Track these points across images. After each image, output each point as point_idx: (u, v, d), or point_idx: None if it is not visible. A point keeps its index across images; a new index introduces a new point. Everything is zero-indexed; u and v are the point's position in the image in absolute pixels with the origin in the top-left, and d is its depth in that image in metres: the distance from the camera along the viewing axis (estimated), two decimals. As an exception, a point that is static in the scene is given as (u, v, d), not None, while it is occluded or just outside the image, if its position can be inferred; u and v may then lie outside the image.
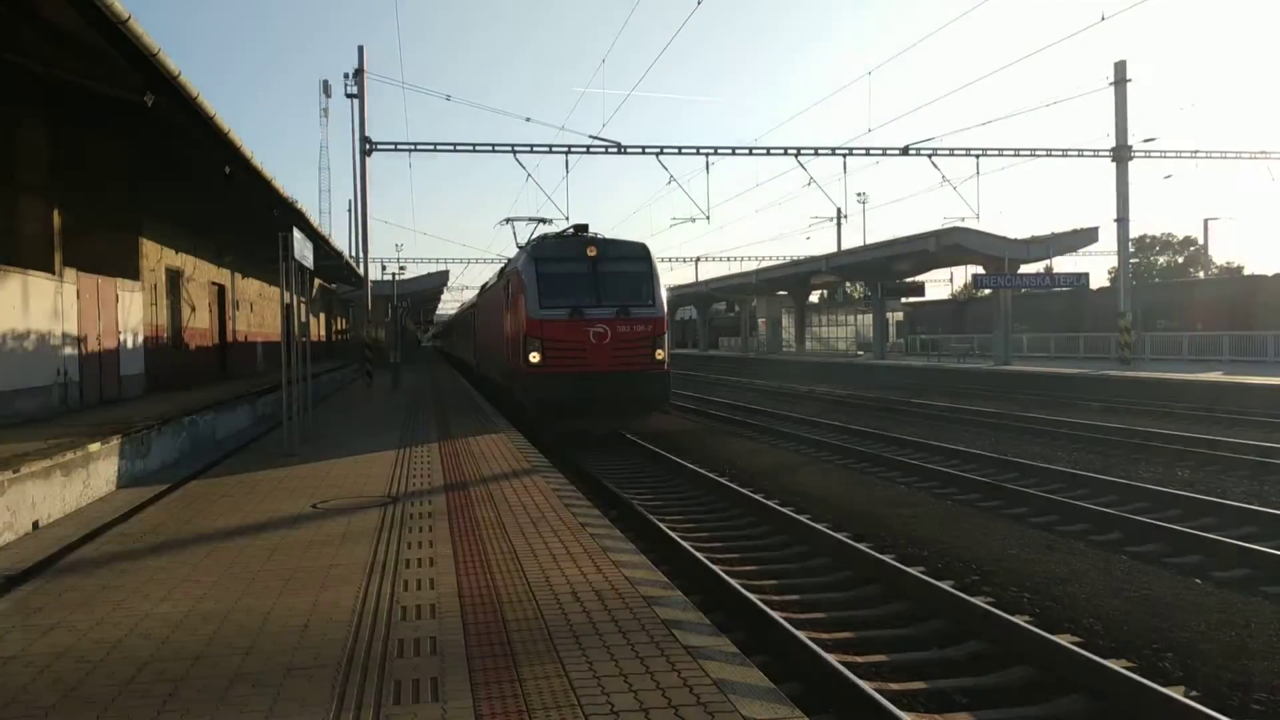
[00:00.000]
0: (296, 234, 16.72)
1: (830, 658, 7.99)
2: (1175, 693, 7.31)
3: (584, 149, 38.13)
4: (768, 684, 5.66)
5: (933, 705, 7.63)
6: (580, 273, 22.08)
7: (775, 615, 9.10)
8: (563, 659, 6.00)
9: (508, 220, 37.54)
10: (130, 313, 23.84)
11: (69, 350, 19.78)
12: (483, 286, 38.46)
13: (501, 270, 29.60)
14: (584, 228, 24.00)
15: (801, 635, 8.50)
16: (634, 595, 7.41)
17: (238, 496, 12.52)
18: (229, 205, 26.47)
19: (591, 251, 22.36)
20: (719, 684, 5.54)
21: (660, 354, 21.92)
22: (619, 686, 5.52)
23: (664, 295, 22.65)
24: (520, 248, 26.60)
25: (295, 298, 17.46)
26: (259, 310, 42.22)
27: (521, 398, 22.49)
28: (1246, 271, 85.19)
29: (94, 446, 13.36)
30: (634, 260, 22.80)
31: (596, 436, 23.01)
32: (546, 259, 22.62)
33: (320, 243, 32.97)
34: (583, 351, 21.42)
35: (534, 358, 21.54)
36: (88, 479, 13.14)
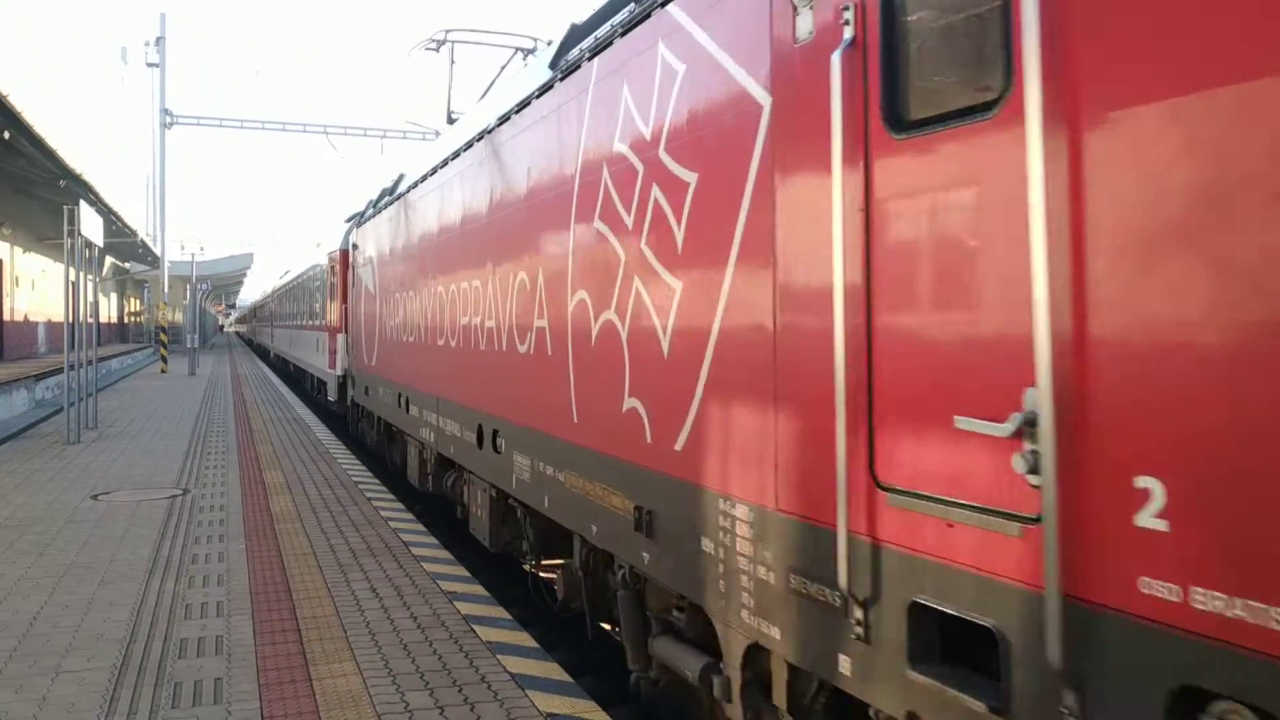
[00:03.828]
0: (85, 208, 15.67)
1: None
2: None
3: (400, 134, 37.30)
4: (566, 678, 5.68)
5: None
6: None
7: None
8: (358, 657, 5.85)
9: (438, 43, 11.78)
10: (-110, 285, 21.85)
11: None
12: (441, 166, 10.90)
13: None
14: None
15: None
16: (435, 591, 7.30)
17: (8, 487, 11.63)
18: (9, 174, 24.63)
19: None
20: (517, 679, 5.52)
21: None
22: (416, 685, 5.43)
23: None
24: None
25: (82, 276, 16.37)
26: (41, 288, 39.47)
27: None
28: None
29: None
30: None
31: None
32: None
33: (113, 219, 31.08)
34: None
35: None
36: None
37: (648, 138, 5.17)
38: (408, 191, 12.05)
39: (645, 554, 5.12)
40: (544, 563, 7.80)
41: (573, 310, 6.16)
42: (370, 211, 15.43)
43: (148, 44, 40.98)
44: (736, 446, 4.26)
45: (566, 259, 6.30)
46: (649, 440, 5.06)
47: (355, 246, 16.79)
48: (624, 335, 5.36)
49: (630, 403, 5.29)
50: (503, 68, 11.01)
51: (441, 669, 5.68)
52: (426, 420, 10.57)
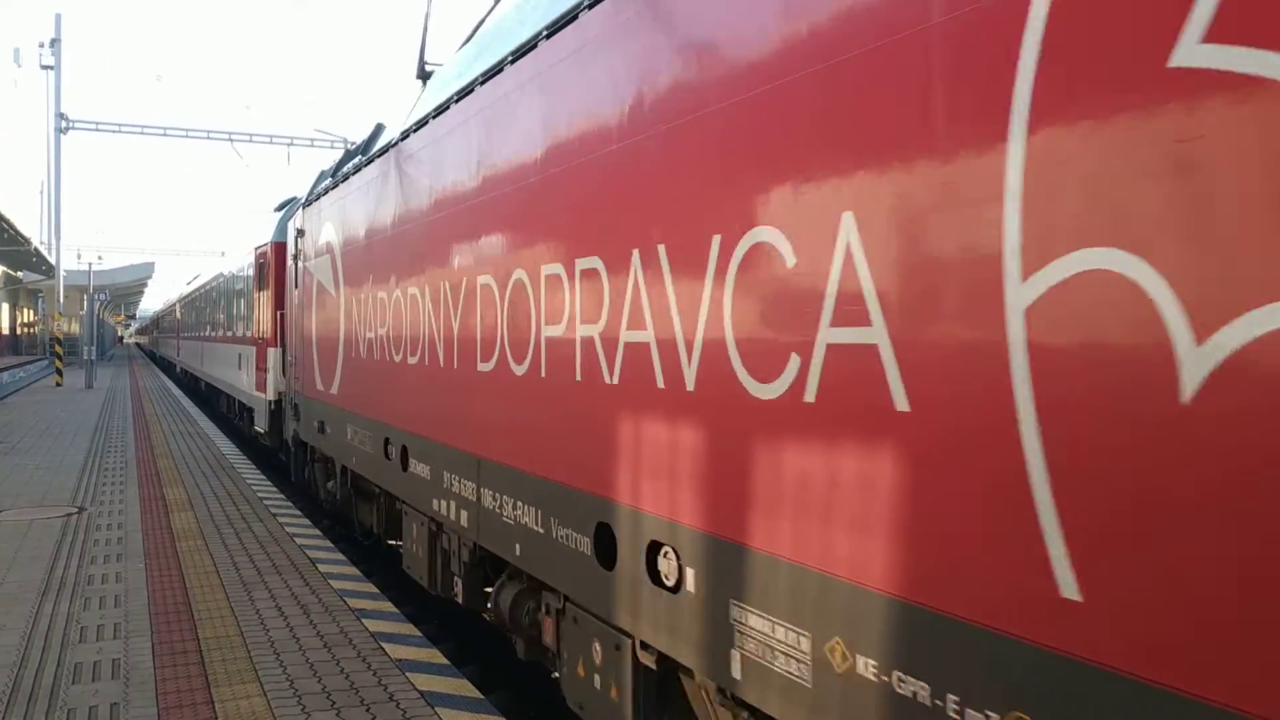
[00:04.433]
0: (-27, 215, 15.08)
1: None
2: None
3: (308, 141, 36.71)
4: (476, 694, 5.63)
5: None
6: None
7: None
8: (262, 678, 5.72)
9: None
10: None
11: None
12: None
13: None
14: None
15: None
16: (343, 609, 7.18)
17: (-110, 507, 11.12)
18: (-109, 179, 23.56)
19: None
20: (426, 696, 5.45)
21: None
22: (322, 705, 5.32)
23: None
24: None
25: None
26: (-74, 297, 37.88)
27: None
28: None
29: None
30: None
31: None
32: None
33: (4, 226, 30.00)
34: None
35: None
36: None
37: None
38: (403, 139, 8.07)
39: None
40: None
41: (1037, 305, 2.43)
42: (326, 185, 11.30)
43: (42, 45, 39.64)
44: None
45: (996, 169, 2.56)
46: None
47: (301, 234, 12.57)
48: None
49: None
50: (496, 2, 8.51)
51: (349, 688, 5.58)
52: (453, 490, 6.71)
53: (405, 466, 7.78)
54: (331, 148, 36.18)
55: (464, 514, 6.50)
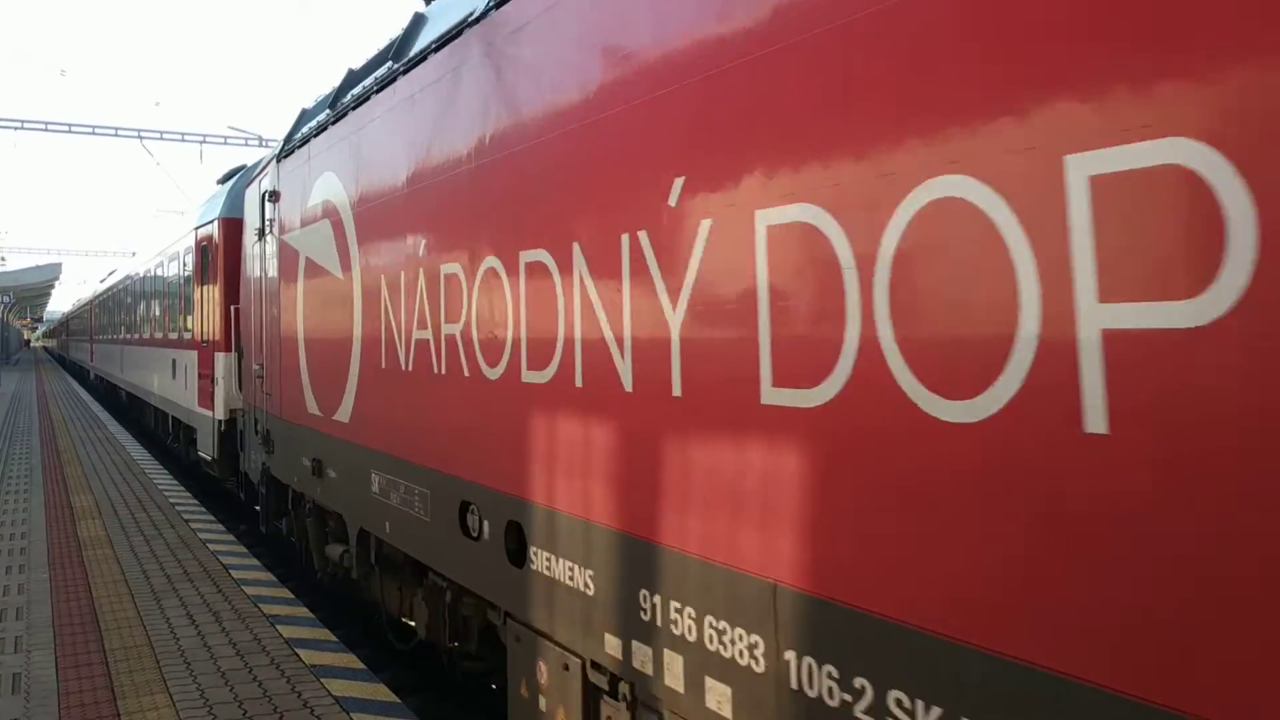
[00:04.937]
0: None
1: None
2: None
3: (221, 139, 35.91)
4: (393, 699, 5.57)
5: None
6: None
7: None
8: (171, 688, 5.58)
9: None
10: None
11: None
12: None
13: None
14: None
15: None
16: (256, 615, 7.05)
17: None
18: None
19: None
20: (341, 702, 5.38)
21: None
22: (233, 714, 5.22)
23: None
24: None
25: None
26: None
27: None
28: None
29: None
30: None
31: None
32: None
33: (-102, 226, 28.83)
34: None
35: None
36: None
37: None
38: (498, 5, 4.88)
39: None
40: None
41: None
42: (323, 119, 7.87)
43: (-62, 39, 38.22)
44: None
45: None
46: None
47: (273, 197, 9.21)
48: None
49: None
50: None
51: (262, 696, 5.48)
52: (674, 631, 3.43)
53: (519, 559, 4.59)
54: (245, 145, 35.48)
55: (719, 689, 3.20)
